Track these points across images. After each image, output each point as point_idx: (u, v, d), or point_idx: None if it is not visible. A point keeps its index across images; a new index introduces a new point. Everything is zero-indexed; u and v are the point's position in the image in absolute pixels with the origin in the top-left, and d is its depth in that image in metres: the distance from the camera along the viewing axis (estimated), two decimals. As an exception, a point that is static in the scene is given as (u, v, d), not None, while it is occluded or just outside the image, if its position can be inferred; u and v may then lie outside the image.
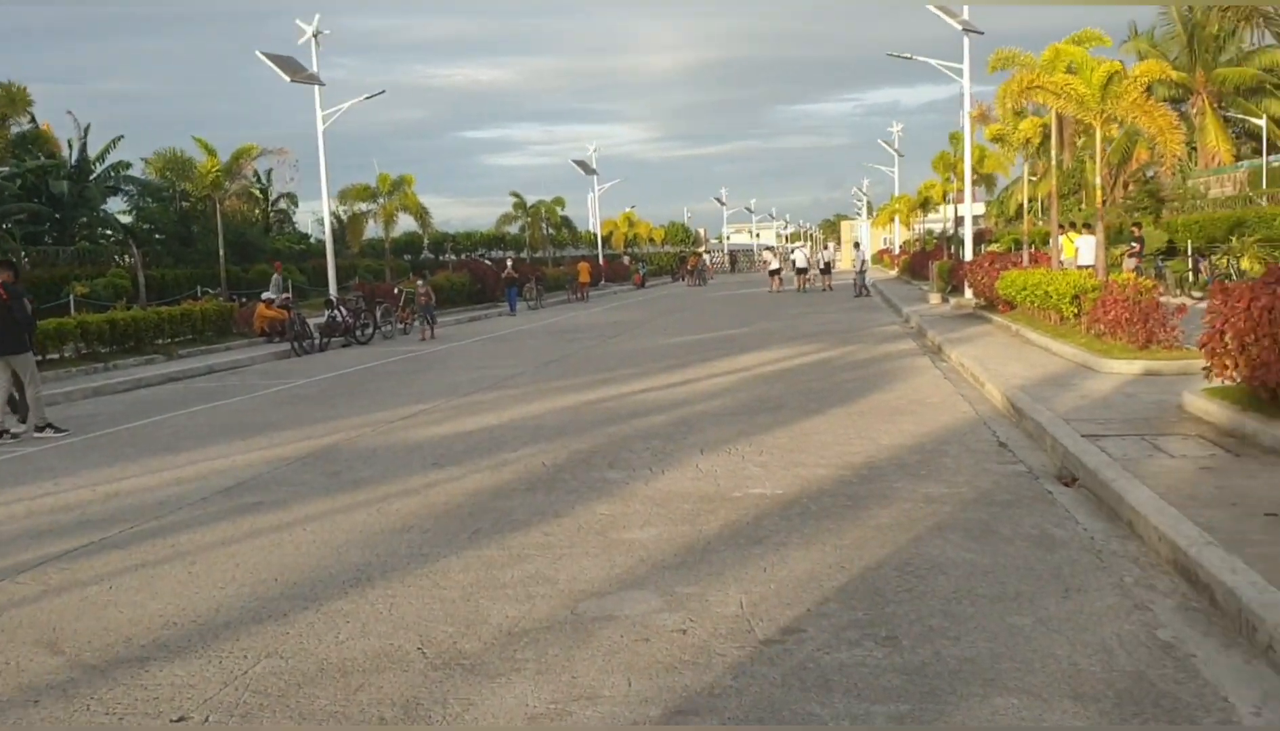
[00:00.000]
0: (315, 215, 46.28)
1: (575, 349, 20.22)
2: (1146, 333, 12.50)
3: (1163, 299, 13.21)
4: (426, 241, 68.84)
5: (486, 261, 40.99)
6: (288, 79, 26.28)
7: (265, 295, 25.32)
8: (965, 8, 24.25)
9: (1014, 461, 8.27)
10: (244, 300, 29.06)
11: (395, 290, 27.90)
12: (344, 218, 39.84)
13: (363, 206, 34.70)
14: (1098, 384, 11.25)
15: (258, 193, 60.17)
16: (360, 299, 26.14)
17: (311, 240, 59.31)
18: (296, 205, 65.29)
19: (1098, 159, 15.52)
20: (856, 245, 42.72)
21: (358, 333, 24.83)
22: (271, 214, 61.47)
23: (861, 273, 37.47)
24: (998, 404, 11.17)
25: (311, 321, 24.15)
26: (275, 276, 25.50)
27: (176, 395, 15.92)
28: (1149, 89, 14.55)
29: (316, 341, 23.48)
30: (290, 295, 25.03)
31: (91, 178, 40.12)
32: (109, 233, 44.14)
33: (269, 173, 60.55)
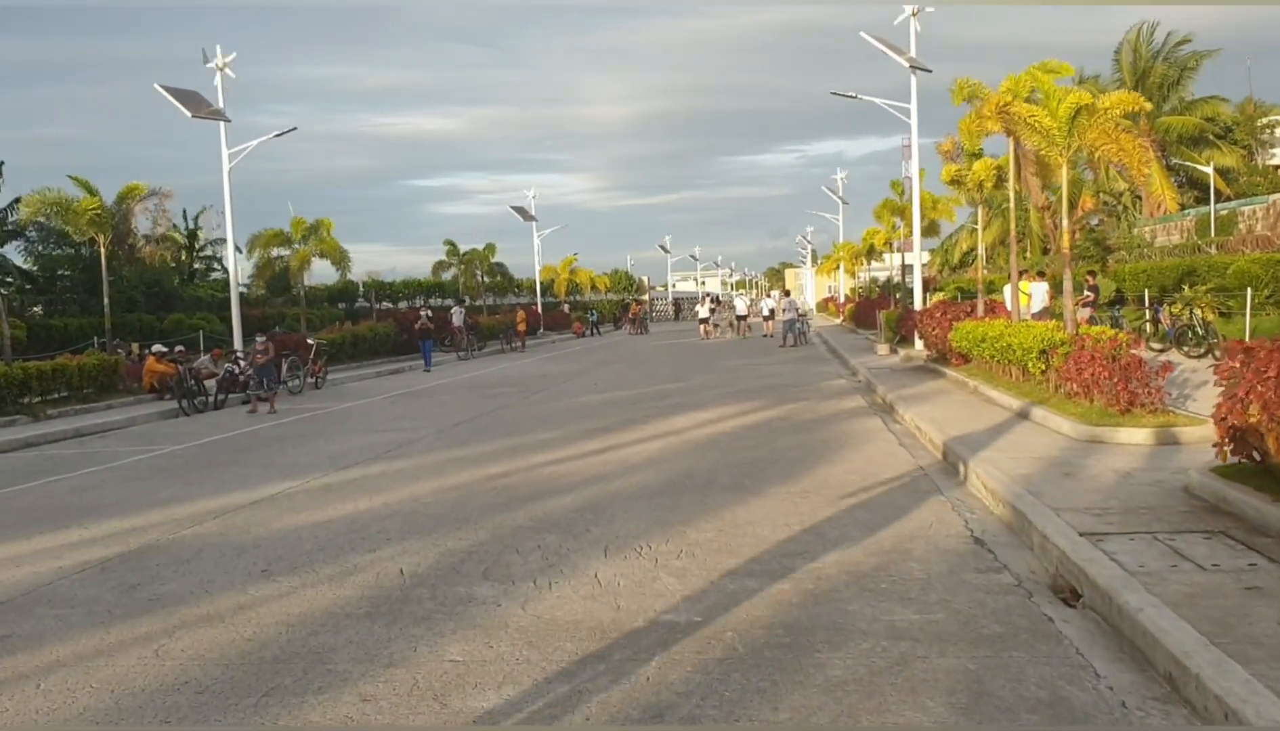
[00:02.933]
0: (249, 260, 43.81)
1: (492, 407, 18.29)
2: (1129, 394, 10.89)
3: (1150, 357, 11.64)
4: (362, 289, 66.78)
5: (425, 311, 38.68)
6: (189, 114, 24.25)
7: (156, 348, 23.10)
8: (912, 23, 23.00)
9: (996, 566, 6.51)
10: (141, 353, 26.73)
11: (307, 341, 25.76)
12: (274, 264, 37.64)
13: (276, 252, 32.46)
14: (1081, 457, 9.57)
15: (179, 238, 57.76)
16: (261, 352, 23.95)
17: (240, 289, 56.97)
18: (241, 252, 62.90)
19: (1064, 196, 14.01)
20: (786, 293, 40.90)
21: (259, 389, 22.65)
22: (197, 260, 58.99)
23: (791, 322, 35.85)
24: (966, 481, 9.45)
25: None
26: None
27: (20, 466, 13.73)
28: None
29: (211, 399, 21.32)
30: (184, 348, 22.80)
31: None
32: (8, 279, 41.49)
33: (196, 217, 58.28)
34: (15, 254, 43.58)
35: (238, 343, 26.15)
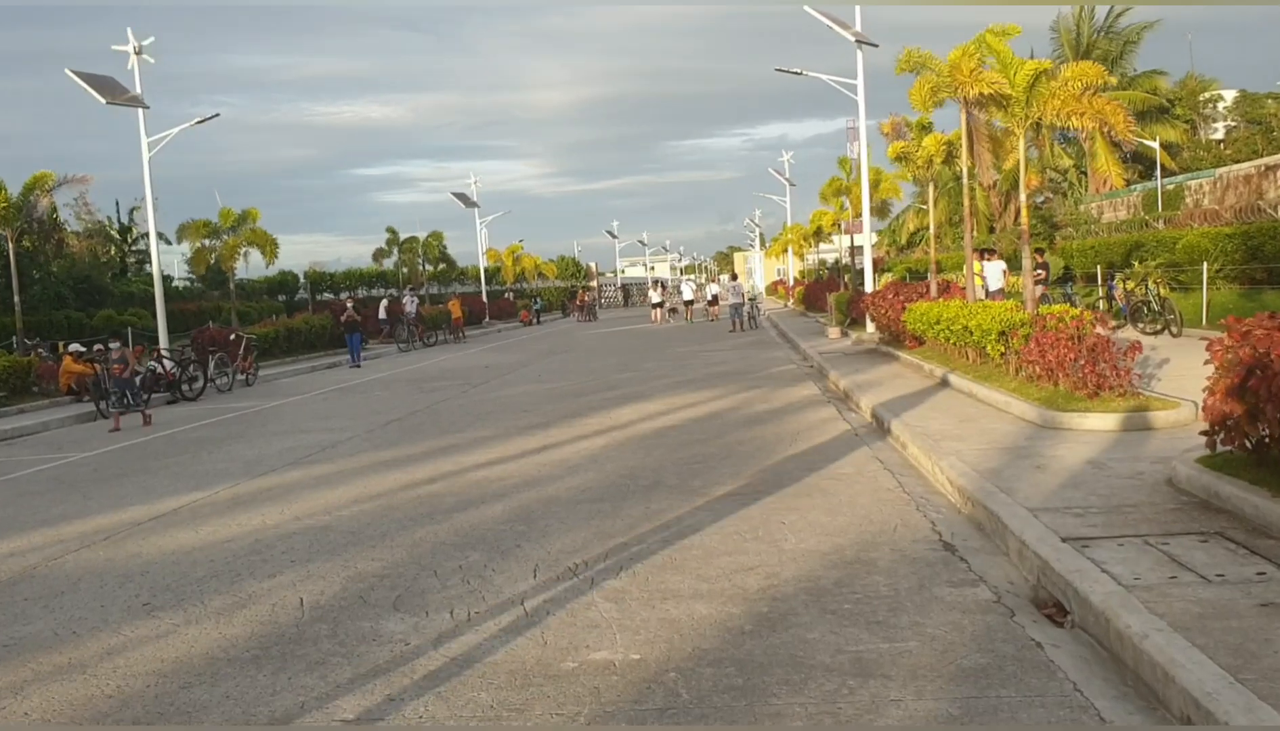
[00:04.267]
0: (184, 255, 42.29)
1: (428, 403, 17.38)
2: (1096, 377, 10.27)
3: (1110, 334, 11.03)
4: (303, 280, 65.11)
5: (350, 302, 37.05)
6: (103, 101, 22.96)
7: (73, 347, 21.86)
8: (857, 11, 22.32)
9: (971, 578, 5.80)
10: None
11: (233, 336, 24.59)
12: (205, 255, 36.16)
13: (206, 242, 31.15)
14: (1051, 447, 8.92)
15: (114, 232, 55.86)
16: (187, 348, 22.86)
17: (175, 282, 55.12)
18: (171, 243, 61.02)
19: (1022, 168, 13.36)
20: (733, 277, 40.40)
21: (184, 387, 21.54)
22: (130, 254, 57.06)
23: (739, 305, 35.13)
24: (927, 474, 8.77)
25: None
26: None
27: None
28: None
29: (132, 399, 20.15)
30: (102, 347, 21.56)
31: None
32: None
33: (131, 212, 56.34)
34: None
35: (163, 340, 24.97)
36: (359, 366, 28.32)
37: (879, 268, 45.06)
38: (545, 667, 4.83)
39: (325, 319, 34.67)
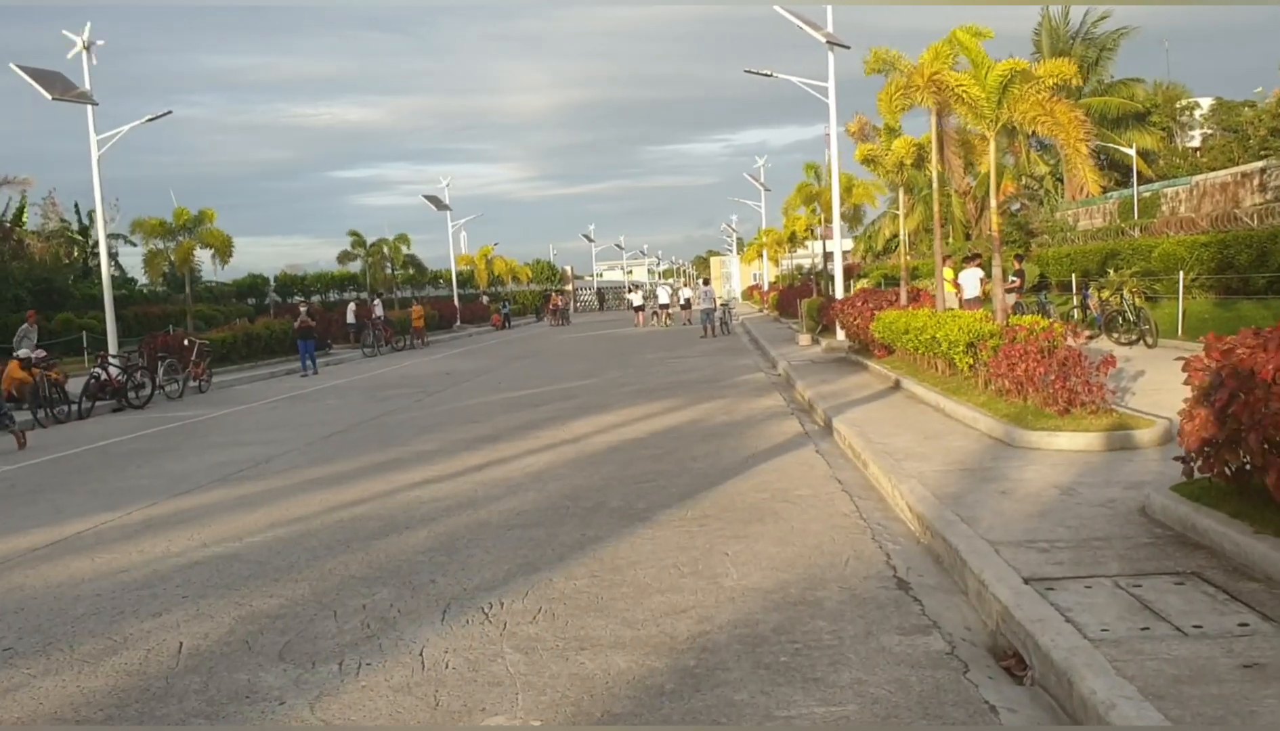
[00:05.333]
0: (145, 256, 41.46)
1: (377, 412, 16.70)
2: (1068, 393, 9.72)
3: (1080, 345, 10.49)
4: (273, 283, 64.23)
5: (304, 307, 36.14)
6: (49, 96, 22.19)
7: (20, 352, 21.01)
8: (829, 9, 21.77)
9: (923, 624, 5.21)
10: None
11: (185, 341, 23.80)
12: (159, 257, 35.30)
13: (161, 243, 30.33)
14: (1019, 469, 8.36)
15: (74, 234, 54.88)
16: (134, 354, 22.09)
17: (138, 285, 54.13)
18: (135, 244, 59.93)
19: (992, 173, 12.81)
20: (705, 282, 40.41)
21: (130, 394, 20.78)
22: (91, 256, 56.02)
23: (710, 310, 34.61)
24: (887, 497, 8.20)
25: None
26: (24, 327, 21.17)
27: None
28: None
29: (75, 407, 19.39)
30: (46, 353, 20.77)
31: None
32: None
33: (90, 213, 55.33)
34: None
35: (112, 345, 24.18)
36: (311, 374, 26.91)
37: (855, 274, 44.64)
38: (430, 737, 4.21)
39: (286, 324, 33.87)
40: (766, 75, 24.23)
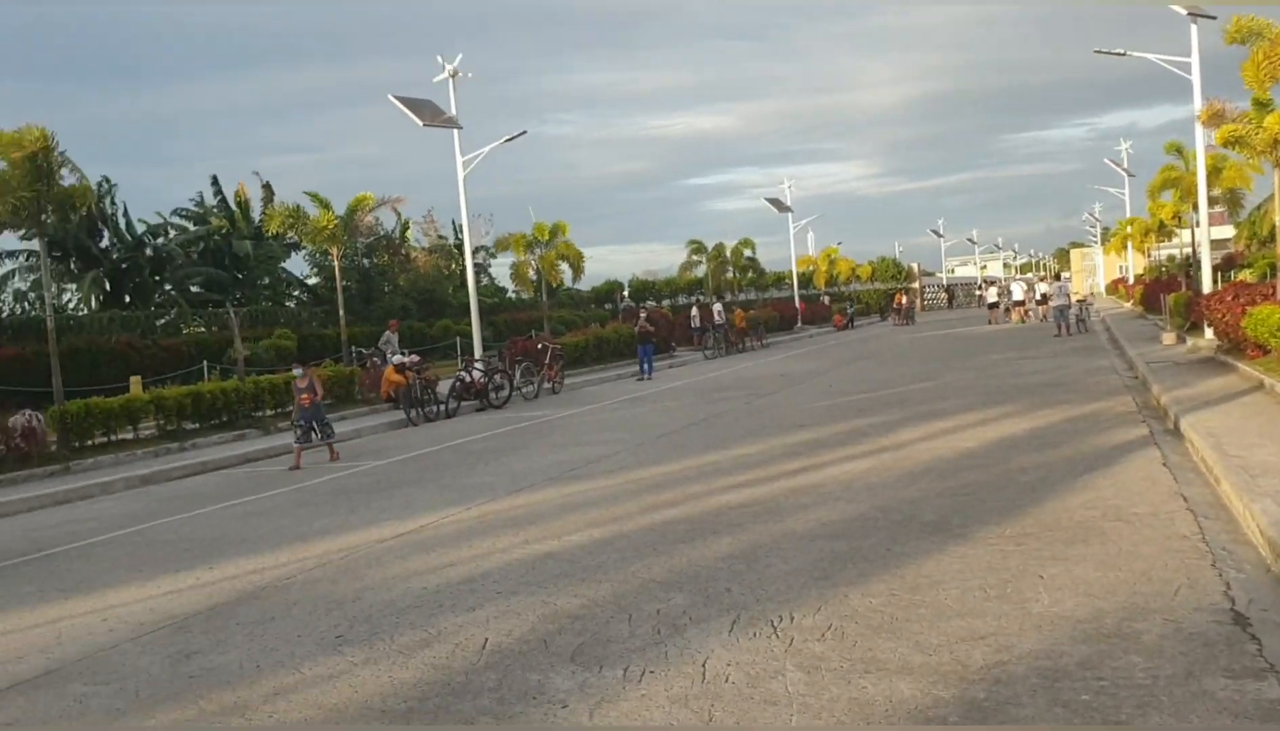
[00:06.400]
0: (512, 268, 44.96)
1: (706, 415, 17.03)
2: None
3: None
4: (626, 289, 67.59)
5: (642, 312, 37.06)
6: (420, 123, 24.50)
7: (395, 358, 23.38)
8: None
9: (1258, 666, 4.55)
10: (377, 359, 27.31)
11: (540, 346, 25.47)
12: (521, 268, 38.10)
13: (519, 257, 32.69)
14: None
15: (451, 248, 60.32)
16: (494, 359, 23.90)
17: (507, 293, 58.65)
18: (495, 257, 65.02)
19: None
20: (1057, 277, 37.86)
21: (491, 395, 22.50)
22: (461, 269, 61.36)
23: (1064, 307, 32.28)
24: (1239, 518, 7.26)
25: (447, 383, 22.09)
26: (386, 334, 23.48)
27: (218, 486, 13.85)
28: None
29: (444, 407, 21.27)
30: (420, 357, 22.96)
31: (270, 237, 40.10)
32: (293, 292, 44.32)
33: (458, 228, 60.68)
34: (302, 265, 46.73)
35: (478, 349, 26.28)
36: (648, 378, 27.29)
37: (1236, 264, 40.19)
38: (697, 754, 4.19)
39: (632, 328, 35.35)
40: (1119, 54, 22.29)
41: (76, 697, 5.54)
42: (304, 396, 15.28)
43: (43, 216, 17.87)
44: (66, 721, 5.21)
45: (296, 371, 15.95)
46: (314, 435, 15.28)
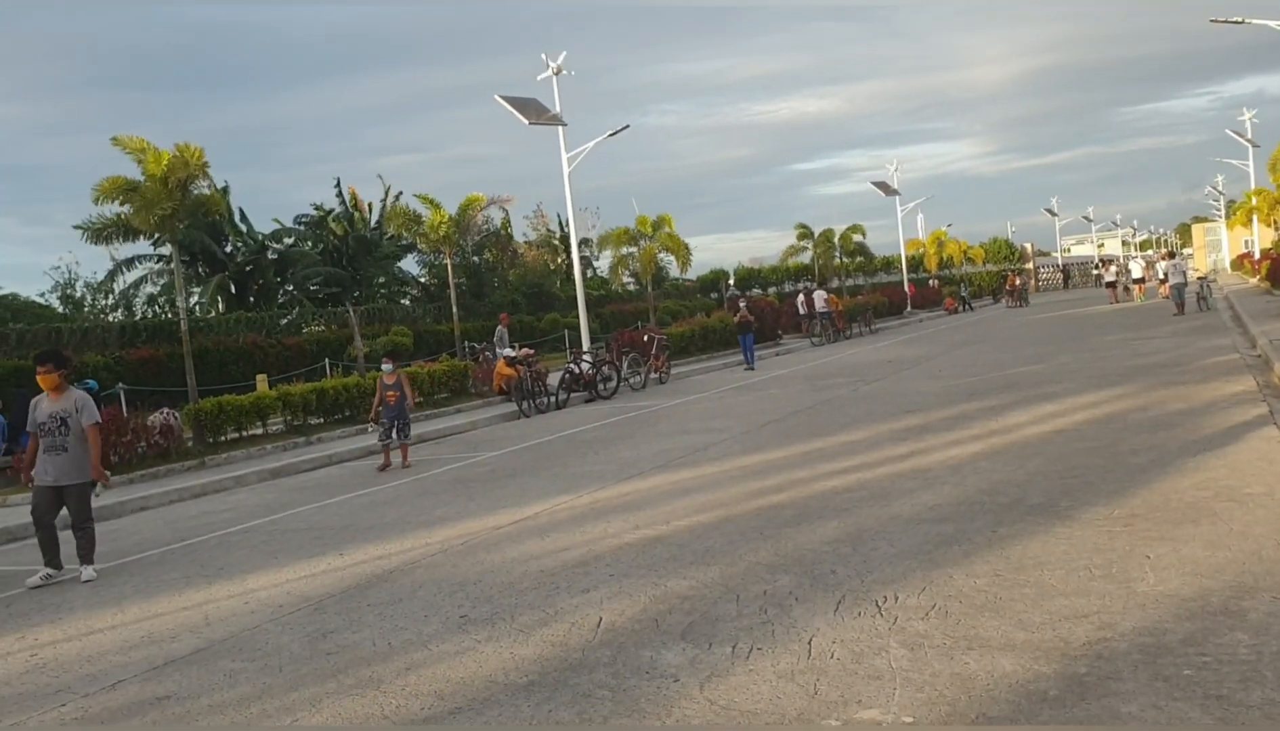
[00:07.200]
0: (610, 267, 45.68)
1: (813, 402, 17.12)
2: None
3: None
4: (732, 277, 67.71)
5: (743, 301, 36.84)
6: (525, 122, 25.05)
7: (505, 352, 23.98)
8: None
9: (1375, 650, 4.56)
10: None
11: (645, 337, 25.82)
12: (625, 261, 38.58)
13: (626, 249, 33.12)
14: None
15: (557, 242, 61.19)
16: (602, 350, 24.31)
17: (614, 286, 59.35)
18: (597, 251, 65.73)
19: None
20: (1172, 254, 36.81)
21: (599, 386, 22.91)
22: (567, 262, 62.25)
23: (1180, 286, 31.36)
24: (1363, 501, 7.13)
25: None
26: (499, 329, 24.09)
27: (345, 477, 14.50)
28: None
29: (554, 399, 21.77)
30: (532, 351, 23.51)
31: (386, 237, 41.39)
32: (408, 290, 45.63)
33: (564, 222, 61.57)
34: (414, 265, 48.10)
35: (585, 342, 26.75)
36: (751, 368, 26.90)
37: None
38: (803, 724, 4.41)
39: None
40: (1237, 22, 21.55)
41: (226, 673, 6.01)
42: (390, 394, 14.94)
43: (178, 224, 18.84)
44: (218, 693, 5.67)
45: (386, 367, 15.43)
46: (394, 434, 14.85)
